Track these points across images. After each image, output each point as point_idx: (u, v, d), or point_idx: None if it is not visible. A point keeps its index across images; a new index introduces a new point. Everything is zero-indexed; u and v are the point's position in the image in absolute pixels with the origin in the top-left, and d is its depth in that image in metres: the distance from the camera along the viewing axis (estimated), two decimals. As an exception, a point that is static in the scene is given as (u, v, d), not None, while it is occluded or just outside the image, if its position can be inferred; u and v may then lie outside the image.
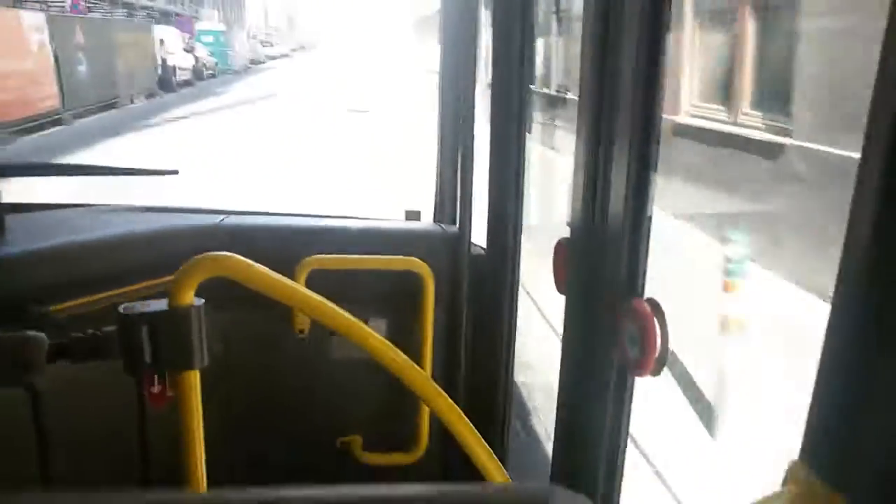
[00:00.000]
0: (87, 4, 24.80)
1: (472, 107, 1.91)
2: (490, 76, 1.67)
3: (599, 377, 1.16)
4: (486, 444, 1.30)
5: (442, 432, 1.38)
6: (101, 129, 13.84)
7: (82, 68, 15.69)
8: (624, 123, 1.02)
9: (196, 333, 1.09)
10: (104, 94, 16.72)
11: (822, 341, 0.43)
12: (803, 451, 0.44)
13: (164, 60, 21.95)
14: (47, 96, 14.02)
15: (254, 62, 40.68)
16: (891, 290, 0.40)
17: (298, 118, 15.48)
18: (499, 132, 1.70)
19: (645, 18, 0.97)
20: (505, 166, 1.71)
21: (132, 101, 18.57)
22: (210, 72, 28.47)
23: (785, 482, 0.44)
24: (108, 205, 2.06)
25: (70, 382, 1.35)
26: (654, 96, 1.00)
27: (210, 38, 31.81)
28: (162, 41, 22.05)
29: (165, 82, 21.43)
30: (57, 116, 13.98)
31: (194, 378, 1.11)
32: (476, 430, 1.28)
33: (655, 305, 0.99)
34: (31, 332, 1.08)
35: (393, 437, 1.94)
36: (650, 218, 1.04)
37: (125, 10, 26.57)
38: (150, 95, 20.12)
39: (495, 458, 1.30)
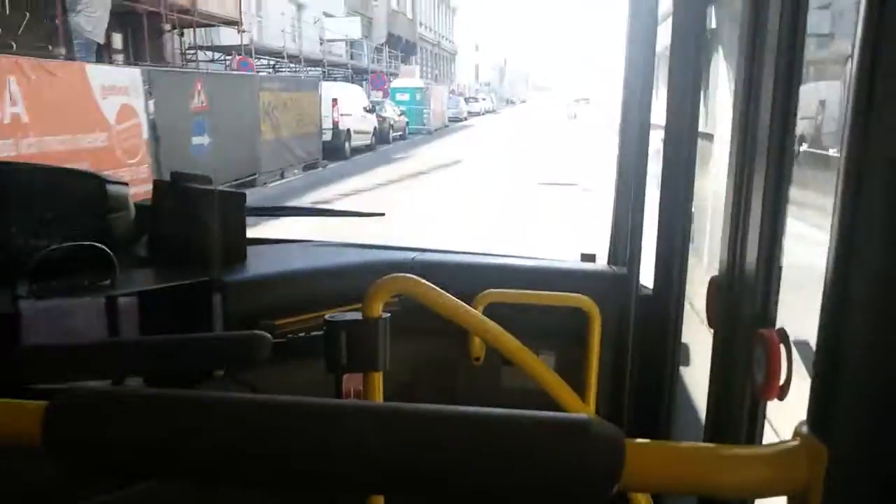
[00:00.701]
0: (271, 62, 22.32)
1: (646, 158, 2.02)
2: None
3: (735, 403, 1.24)
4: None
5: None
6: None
7: (201, 139, 11.73)
8: (759, 182, 1.15)
9: (381, 340, 1.33)
10: (235, 170, 12.63)
11: (817, 331, 0.54)
12: (807, 412, 0.56)
13: (335, 123, 18.69)
14: (129, 181, 6.27)
15: (454, 119, 38.35)
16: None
17: (473, 195, 13.05)
18: (669, 179, 1.82)
19: (779, 89, 1.11)
20: (673, 211, 1.83)
21: (282, 177, 15.11)
22: (398, 133, 25.95)
23: (792, 437, 0.56)
24: (322, 241, 2.45)
25: (283, 385, 1.65)
26: (785, 161, 1.12)
27: (405, 96, 29.71)
28: (335, 101, 18.74)
29: (335, 149, 18.51)
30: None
31: (378, 379, 1.34)
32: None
33: (784, 335, 1.07)
34: (260, 332, 1.32)
35: None
36: (780, 259, 1.16)
37: (319, 69, 24.95)
38: (311, 167, 16.76)
39: (650, 497, 1.42)
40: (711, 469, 0.56)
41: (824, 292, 0.52)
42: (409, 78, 34.18)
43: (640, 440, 0.55)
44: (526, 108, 66.77)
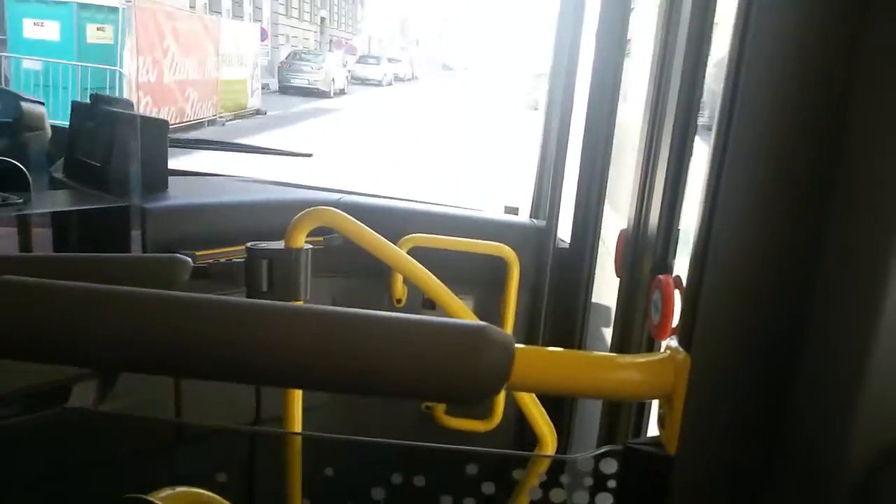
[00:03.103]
0: None
1: (569, 120, 2.11)
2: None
3: (635, 343, 1.36)
4: (549, 418, 1.49)
5: (516, 406, 1.58)
6: None
7: None
8: (665, 148, 1.26)
9: (303, 271, 1.36)
10: None
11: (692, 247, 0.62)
12: (677, 330, 0.65)
13: None
14: None
15: (309, 92, 22.10)
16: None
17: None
18: (588, 142, 1.90)
19: (687, 69, 1.21)
20: (591, 172, 1.91)
21: None
22: None
23: (664, 350, 0.65)
24: (249, 177, 2.43)
25: None
26: (688, 132, 1.24)
27: (49, 30, 11.21)
28: None
29: None
30: None
31: None
32: (541, 406, 1.47)
33: (679, 281, 1.16)
34: (180, 255, 1.30)
35: (472, 407, 2.14)
36: (679, 215, 1.28)
37: None
38: None
39: (553, 429, 1.51)
40: (590, 373, 0.63)
41: (694, 241, 0.62)
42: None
43: (527, 346, 0.61)
44: (465, 79, 49.23)
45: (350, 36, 40.71)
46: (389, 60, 35.58)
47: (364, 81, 30.19)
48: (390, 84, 33.03)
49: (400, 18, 55.93)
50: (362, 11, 45.63)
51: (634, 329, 1.40)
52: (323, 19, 34.72)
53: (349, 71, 29.04)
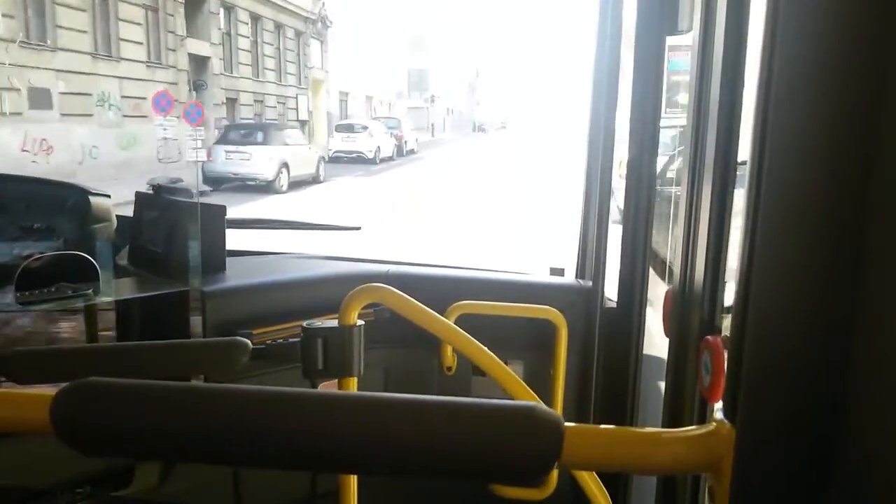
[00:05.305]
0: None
1: (610, 181, 2.13)
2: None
3: (688, 406, 1.35)
4: (603, 487, 1.46)
5: (570, 473, 1.56)
6: None
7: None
8: (706, 210, 1.28)
9: (356, 347, 1.40)
10: None
11: (732, 315, 0.63)
12: (722, 402, 0.66)
13: None
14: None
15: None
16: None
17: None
18: (630, 200, 1.93)
19: (722, 134, 1.23)
20: (635, 232, 1.94)
21: None
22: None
23: (709, 422, 0.65)
24: (301, 253, 2.53)
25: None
26: (727, 193, 1.25)
27: None
28: None
29: None
30: None
31: (353, 385, 1.41)
32: (596, 475, 1.45)
33: (727, 342, 1.13)
34: (240, 338, 1.38)
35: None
36: (724, 274, 1.28)
37: None
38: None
39: (609, 500, 1.47)
40: (639, 449, 0.64)
41: (733, 310, 0.63)
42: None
43: (577, 424, 0.63)
44: (499, 146, 34.38)
45: (293, 91, 24.71)
46: (345, 131, 21.59)
47: (258, 184, 14.86)
48: (317, 181, 17.05)
49: (416, 71, 39.92)
50: (324, 54, 27.20)
51: (686, 390, 1.39)
52: (203, 59, 18.51)
53: (206, 171, 14.17)
